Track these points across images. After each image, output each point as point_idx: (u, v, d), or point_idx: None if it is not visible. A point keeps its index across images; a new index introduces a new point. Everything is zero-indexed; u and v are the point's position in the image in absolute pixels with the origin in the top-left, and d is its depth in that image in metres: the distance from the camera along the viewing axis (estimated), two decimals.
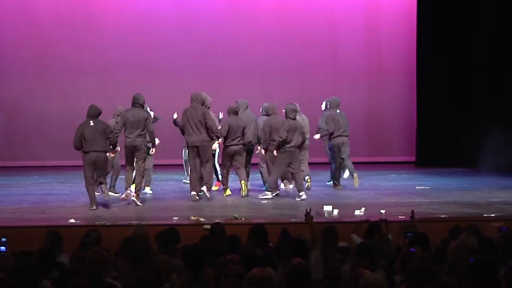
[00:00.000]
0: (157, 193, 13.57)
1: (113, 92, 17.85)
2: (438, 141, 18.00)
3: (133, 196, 11.95)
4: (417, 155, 18.77)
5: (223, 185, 13.29)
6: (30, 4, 18.49)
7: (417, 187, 14.40)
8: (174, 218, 10.65)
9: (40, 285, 5.77)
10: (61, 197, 13.05)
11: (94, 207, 11.54)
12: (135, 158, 12.09)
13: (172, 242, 7.49)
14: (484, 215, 10.75)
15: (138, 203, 11.91)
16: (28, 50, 18.39)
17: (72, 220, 10.37)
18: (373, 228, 8.03)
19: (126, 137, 12.05)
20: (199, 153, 12.46)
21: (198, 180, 12.47)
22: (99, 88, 18.20)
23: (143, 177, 12.36)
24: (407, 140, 19.28)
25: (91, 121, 11.67)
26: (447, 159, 17.85)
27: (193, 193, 12.41)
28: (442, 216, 10.72)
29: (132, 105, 12.16)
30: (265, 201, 12.46)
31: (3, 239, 7.26)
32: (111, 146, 11.93)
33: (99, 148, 11.61)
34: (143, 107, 12.20)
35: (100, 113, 11.86)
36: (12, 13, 18.40)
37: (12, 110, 18.45)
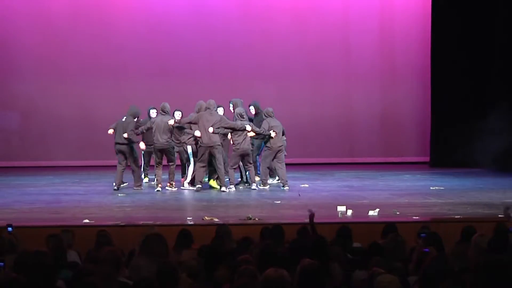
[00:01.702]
0: (170, 193, 13.61)
1: (128, 92, 17.91)
2: (452, 142, 17.91)
3: (167, 186, 13.84)
4: (431, 156, 18.70)
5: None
6: (45, 5, 18.56)
7: (431, 188, 14.35)
8: (188, 218, 10.67)
9: (55, 285, 5.78)
10: (75, 197, 13.09)
11: (115, 187, 13.88)
12: (164, 157, 13.86)
13: (185, 242, 7.50)
14: (499, 215, 10.69)
15: (173, 189, 13.85)
16: (43, 51, 18.46)
17: (87, 220, 10.41)
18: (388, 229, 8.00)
19: (155, 141, 13.63)
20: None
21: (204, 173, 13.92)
22: (114, 88, 18.29)
23: (174, 169, 14.07)
24: (421, 141, 19.22)
25: (124, 118, 13.83)
26: (462, 159, 17.74)
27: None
28: (456, 216, 10.68)
29: (160, 113, 13.75)
30: (279, 202, 12.47)
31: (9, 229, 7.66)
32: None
33: (121, 141, 13.70)
34: (169, 114, 13.74)
35: (135, 113, 13.88)
36: (27, 14, 18.47)
37: (27, 110, 18.54)
